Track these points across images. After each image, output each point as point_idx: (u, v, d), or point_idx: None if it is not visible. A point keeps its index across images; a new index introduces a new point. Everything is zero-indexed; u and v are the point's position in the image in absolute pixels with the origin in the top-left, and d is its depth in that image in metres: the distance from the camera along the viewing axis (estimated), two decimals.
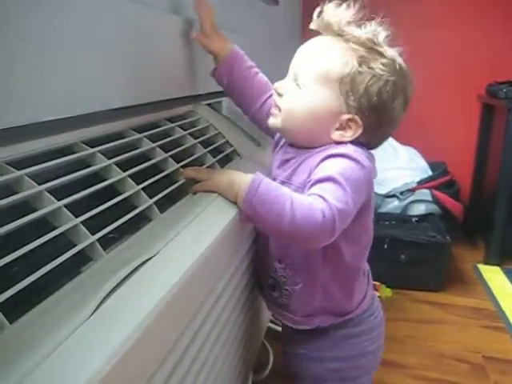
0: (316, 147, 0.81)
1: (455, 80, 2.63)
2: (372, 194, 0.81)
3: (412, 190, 2.25)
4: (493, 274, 2.20)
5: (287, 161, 0.87)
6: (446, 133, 2.66)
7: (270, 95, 0.95)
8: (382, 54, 0.78)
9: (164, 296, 0.48)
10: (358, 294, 0.90)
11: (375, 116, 0.79)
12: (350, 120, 0.79)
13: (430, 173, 2.34)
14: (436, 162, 2.43)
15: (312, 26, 0.82)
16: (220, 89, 1.03)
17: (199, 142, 0.95)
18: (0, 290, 0.42)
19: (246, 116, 1.04)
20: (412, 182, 2.26)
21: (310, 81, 0.79)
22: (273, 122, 0.85)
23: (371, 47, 0.78)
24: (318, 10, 0.82)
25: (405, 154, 2.38)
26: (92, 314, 0.43)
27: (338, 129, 0.80)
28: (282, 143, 0.93)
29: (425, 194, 2.26)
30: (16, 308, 0.42)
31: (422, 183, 2.27)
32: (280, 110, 0.83)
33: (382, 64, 0.77)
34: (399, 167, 2.29)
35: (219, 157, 0.98)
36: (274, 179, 0.86)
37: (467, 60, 2.60)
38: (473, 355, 1.62)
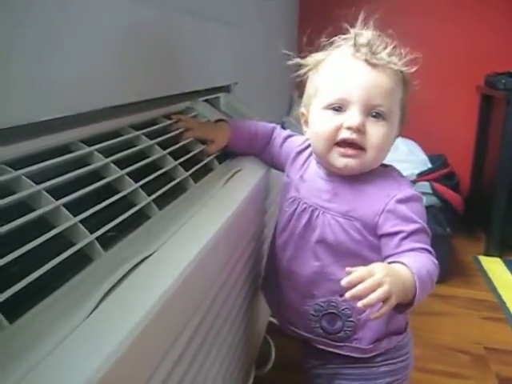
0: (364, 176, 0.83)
1: (454, 71, 2.63)
2: None
3: (412, 183, 2.25)
4: (493, 265, 2.21)
5: (328, 190, 0.85)
6: (445, 125, 2.65)
7: (271, 137, 1.00)
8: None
9: (163, 294, 0.48)
10: None
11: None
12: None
13: (429, 165, 2.34)
14: (435, 155, 2.43)
15: (360, 56, 0.80)
16: (218, 84, 1.03)
17: (197, 139, 0.95)
18: None
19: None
20: (412, 175, 2.26)
21: (392, 112, 0.81)
22: (354, 163, 0.80)
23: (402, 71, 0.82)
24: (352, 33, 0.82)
25: (404, 147, 2.37)
26: (91, 312, 0.44)
27: None
28: (304, 163, 0.92)
29: (424, 186, 2.25)
30: (15, 308, 0.42)
31: (421, 175, 2.27)
32: (362, 148, 0.79)
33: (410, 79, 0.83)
34: (398, 160, 2.27)
35: (218, 153, 0.98)
36: (299, 200, 0.87)
37: (466, 51, 2.60)
38: (474, 346, 1.62)
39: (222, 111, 1.24)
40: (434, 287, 0.74)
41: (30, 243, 0.47)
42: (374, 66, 0.79)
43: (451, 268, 2.06)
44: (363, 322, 0.84)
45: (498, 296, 1.94)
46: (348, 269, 0.65)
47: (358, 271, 0.64)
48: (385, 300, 0.63)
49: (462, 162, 2.61)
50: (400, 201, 0.79)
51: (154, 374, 0.47)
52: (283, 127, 1.05)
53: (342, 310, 0.84)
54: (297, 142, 0.97)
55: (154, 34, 0.88)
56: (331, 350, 0.88)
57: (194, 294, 0.59)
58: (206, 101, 1.19)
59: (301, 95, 0.93)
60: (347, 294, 0.63)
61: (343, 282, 0.63)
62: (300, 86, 0.90)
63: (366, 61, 0.79)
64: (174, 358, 0.53)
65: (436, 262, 0.76)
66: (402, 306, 0.68)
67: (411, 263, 0.70)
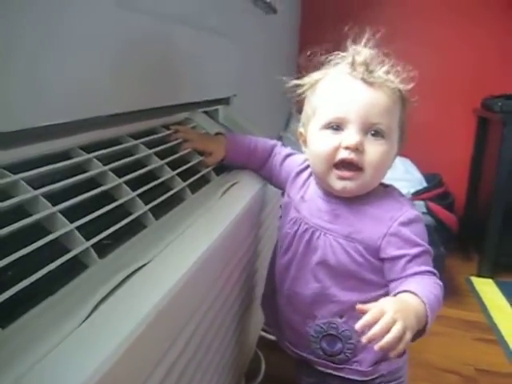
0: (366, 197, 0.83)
1: (452, 93, 2.65)
2: None
3: None
4: (485, 287, 2.21)
5: (329, 211, 0.84)
6: (441, 145, 2.67)
7: (271, 154, 1.00)
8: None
9: (157, 303, 0.48)
10: None
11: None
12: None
13: (424, 184, 2.35)
14: (431, 174, 2.44)
15: (357, 75, 0.79)
16: (217, 96, 1.04)
17: (195, 150, 0.96)
18: None
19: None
20: (407, 194, 2.26)
21: (391, 130, 0.80)
22: (352, 185, 0.80)
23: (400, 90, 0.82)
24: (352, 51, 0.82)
25: (401, 166, 2.38)
26: (85, 319, 0.43)
27: None
28: (304, 183, 0.92)
29: (419, 205, 2.25)
30: (9, 313, 0.42)
31: (417, 194, 2.28)
32: (360, 168, 0.78)
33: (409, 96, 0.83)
34: (395, 178, 2.28)
35: (215, 165, 0.98)
36: (300, 220, 0.87)
37: (463, 74, 2.62)
38: (465, 367, 1.62)
39: (220, 123, 1.24)
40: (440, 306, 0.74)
41: (26, 248, 0.47)
42: (370, 84, 0.78)
43: (443, 288, 2.05)
44: (363, 345, 0.83)
45: (490, 317, 1.94)
46: (359, 306, 0.64)
47: (370, 313, 0.62)
48: (400, 337, 0.61)
49: (458, 182, 2.61)
50: (403, 223, 0.79)
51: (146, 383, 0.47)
52: (281, 141, 1.05)
53: (342, 331, 0.84)
54: (297, 161, 0.96)
55: (155, 45, 0.88)
56: (331, 371, 0.87)
57: (188, 303, 0.58)
58: (205, 112, 1.20)
59: (299, 110, 0.92)
60: (364, 339, 0.61)
61: (357, 327, 0.62)
62: (299, 102, 0.90)
63: (363, 79, 0.79)
64: (165, 368, 0.53)
65: (440, 283, 0.76)
66: (415, 334, 0.67)
67: (419, 290, 0.70)
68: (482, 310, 1.99)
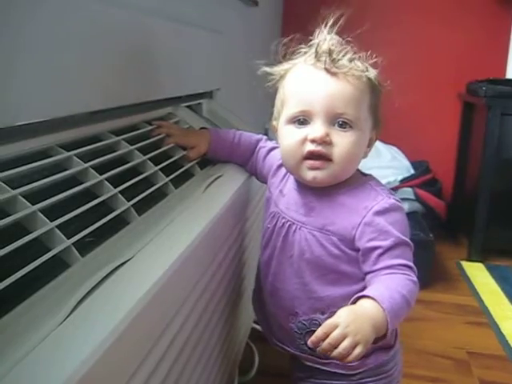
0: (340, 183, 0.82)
1: (436, 79, 2.66)
2: None
3: (395, 189, 2.26)
4: (476, 271, 2.22)
5: (305, 204, 0.83)
6: (427, 131, 2.68)
7: (255, 148, 0.99)
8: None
9: (141, 299, 0.48)
10: None
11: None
12: (371, 137, 0.84)
13: (412, 171, 2.36)
14: (418, 161, 2.45)
15: (321, 65, 0.78)
16: (200, 90, 1.03)
17: (178, 145, 0.95)
18: None
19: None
20: (395, 181, 2.28)
21: (359, 119, 0.78)
22: (323, 175, 0.79)
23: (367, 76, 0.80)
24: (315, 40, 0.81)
25: (387, 153, 2.39)
26: (67, 317, 0.43)
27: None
28: (284, 176, 0.91)
29: (407, 192, 2.27)
30: None
31: (404, 182, 2.29)
32: (330, 159, 0.77)
33: (378, 77, 0.81)
34: (381, 166, 2.30)
35: (198, 159, 0.97)
36: (278, 215, 0.86)
37: (448, 59, 2.63)
38: (457, 351, 1.63)
39: (204, 117, 1.24)
40: (413, 305, 0.73)
41: (5, 248, 0.47)
42: (334, 74, 0.77)
43: (434, 273, 2.07)
44: None
45: (481, 301, 1.95)
46: (311, 339, 0.66)
47: (321, 328, 0.65)
48: (347, 352, 0.63)
49: (445, 168, 2.63)
50: (377, 213, 0.77)
51: (131, 380, 0.47)
52: (266, 134, 1.05)
53: None
54: (278, 155, 0.94)
55: (135, 39, 0.88)
56: (318, 366, 0.87)
57: (173, 299, 0.58)
58: (189, 107, 1.19)
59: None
60: (318, 350, 0.65)
61: (309, 343, 0.66)
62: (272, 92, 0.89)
63: (326, 69, 0.77)
64: (152, 364, 0.52)
65: (415, 279, 0.75)
66: (378, 338, 0.68)
67: (383, 293, 0.69)
68: (473, 294, 2.01)
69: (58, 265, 0.52)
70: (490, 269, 2.24)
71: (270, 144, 0.99)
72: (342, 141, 0.77)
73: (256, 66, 0.86)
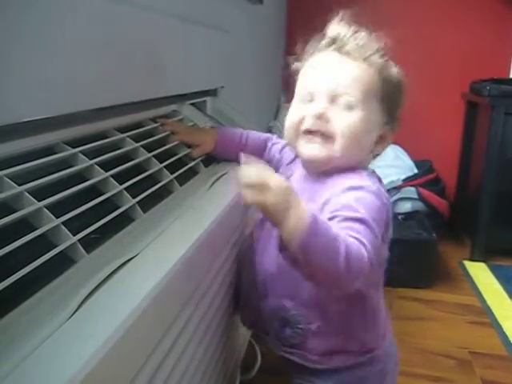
0: (335, 172, 0.79)
1: (440, 78, 2.65)
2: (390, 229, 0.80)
3: (398, 188, 2.26)
4: (478, 270, 2.22)
5: (299, 192, 0.81)
6: (430, 131, 2.67)
7: (267, 146, 1.00)
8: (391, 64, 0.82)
9: (146, 296, 0.48)
10: (382, 326, 0.87)
11: (397, 124, 0.84)
12: (383, 134, 0.82)
13: (415, 170, 2.36)
14: (421, 160, 2.45)
15: (330, 48, 0.80)
16: (204, 88, 1.03)
17: (183, 142, 0.95)
18: None
19: None
20: (398, 180, 2.27)
21: (361, 101, 0.77)
22: (319, 151, 0.77)
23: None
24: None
25: (390, 152, 2.38)
26: (72, 315, 0.43)
27: (376, 142, 0.82)
28: (290, 161, 0.92)
29: (410, 191, 2.27)
30: None
31: (407, 181, 2.28)
32: (329, 136, 0.76)
33: (397, 72, 0.82)
34: (385, 165, 2.30)
35: (203, 157, 0.97)
36: None
37: (452, 58, 2.62)
38: (459, 351, 1.63)
39: (208, 115, 1.24)
40: (345, 269, 0.61)
41: (12, 244, 0.47)
42: (340, 57, 0.79)
43: (437, 273, 2.07)
44: (312, 332, 0.81)
45: (483, 301, 1.95)
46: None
47: (260, 174, 0.60)
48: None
49: (448, 167, 2.62)
50: (348, 188, 0.73)
51: (135, 379, 0.47)
52: (270, 131, 1.05)
53: (292, 314, 0.81)
54: (289, 152, 0.95)
55: (140, 37, 0.87)
56: (287, 356, 0.85)
57: (178, 296, 0.58)
58: (193, 104, 1.19)
59: (288, 100, 0.92)
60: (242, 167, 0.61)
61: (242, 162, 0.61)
62: (288, 92, 0.90)
63: (334, 53, 0.79)
64: (156, 362, 0.52)
65: (366, 254, 0.63)
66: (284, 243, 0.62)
67: (323, 220, 0.62)
68: (476, 294, 2.00)
69: (64, 261, 0.53)
70: (492, 268, 2.23)
71: (283, 141, 1.00)
72: (342, 119, 0.76)
73: (270, 61, 0.86)
